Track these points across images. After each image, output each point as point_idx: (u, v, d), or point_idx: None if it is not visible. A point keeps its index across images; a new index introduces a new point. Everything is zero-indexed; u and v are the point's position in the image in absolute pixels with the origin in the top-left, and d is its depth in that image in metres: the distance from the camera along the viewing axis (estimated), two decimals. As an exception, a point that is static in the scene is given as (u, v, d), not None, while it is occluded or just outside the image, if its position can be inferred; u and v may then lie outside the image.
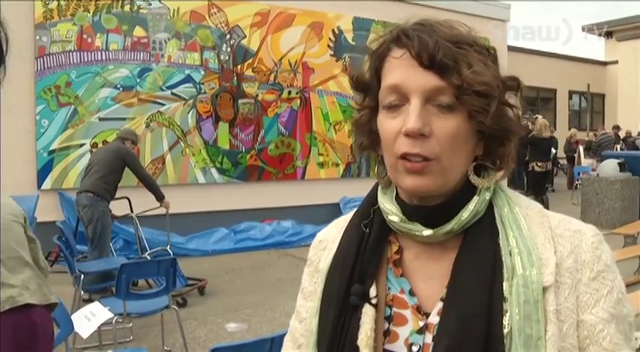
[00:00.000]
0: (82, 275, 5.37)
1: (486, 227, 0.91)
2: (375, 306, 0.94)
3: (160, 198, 6.58)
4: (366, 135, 0.99)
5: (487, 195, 0.93)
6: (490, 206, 0.94)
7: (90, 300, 5.36)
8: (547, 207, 0.98)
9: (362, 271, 0.96)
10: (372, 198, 1.03)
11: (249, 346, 2.57)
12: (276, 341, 2.54)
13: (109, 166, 6.28)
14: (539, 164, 11.51)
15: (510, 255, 0.88)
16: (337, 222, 1.11)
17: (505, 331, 0.83)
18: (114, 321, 4.23)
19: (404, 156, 0.87)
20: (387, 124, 0.90)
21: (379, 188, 1.02)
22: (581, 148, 16.60)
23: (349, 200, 10.44)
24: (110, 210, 6.36)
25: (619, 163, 10.89)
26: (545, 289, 0.85)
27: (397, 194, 0.98)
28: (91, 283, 5.79)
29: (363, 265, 0.96)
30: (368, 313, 0.94)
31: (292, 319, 1.11)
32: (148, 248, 6.80)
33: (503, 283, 0.86)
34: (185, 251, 8.35)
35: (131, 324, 5.02)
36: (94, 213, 6.10)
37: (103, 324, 4.28)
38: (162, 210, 6.72)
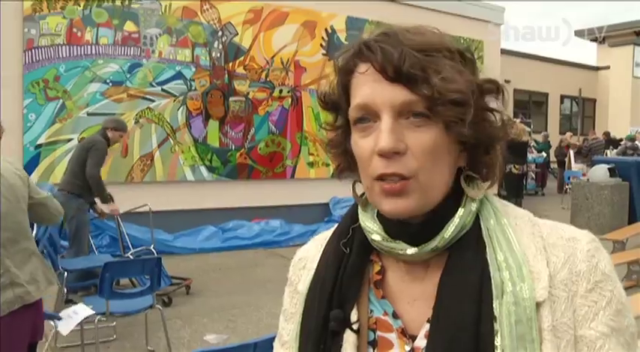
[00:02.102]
0: (66, 273, 5.29)
1: (472, 242, 0.85)
2: (357, 332, 0.88)
3: (103, 200, 6.20)
4: (342, 157, 0.94)
5: (473, 207, 0.87)
6: (476, 218, 0.87)
7: (71, 301, 5.27)
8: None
9: (342, 294, 0.90)
10: (352, 216, 0.96)
11: (231, 351, 2.51)
12: (260, 346, 2.48)
13: (79, 161, 6.08)
14: (516, 167, 11.59)
15: (499, 270, 0.81)
16: (318, 238, 1.05)
17: None
18: (96, 320, 4.16)
19: (380, 178, 0.81)
20: (360, 144, 0.84)
21: (359, 205, 0.96)
22: (571, 152, 16.64)
23: (339, 200, 10.40)
24: (89, 206, 6.18)
25: (609, 169, 10.91)
26: (538, 305, 0.79)
27: (378, 211, 0.91)
28: (72, 281, 5.69)
29: (342, 288, 0.90)
30: (349, 340, 0.88)
31: (275, 341, 1.06)
32: (131, 246, 6.70)
33: (493, 301, 0.79)
34: (172, 249, 8.30)
35: (115, 323, 4.96)
36: (69, 210, 5.86)
37: (85, 323, 4.22)
38: (147, 208, 6.63)
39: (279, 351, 1.03)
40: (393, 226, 0.87)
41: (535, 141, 17.44)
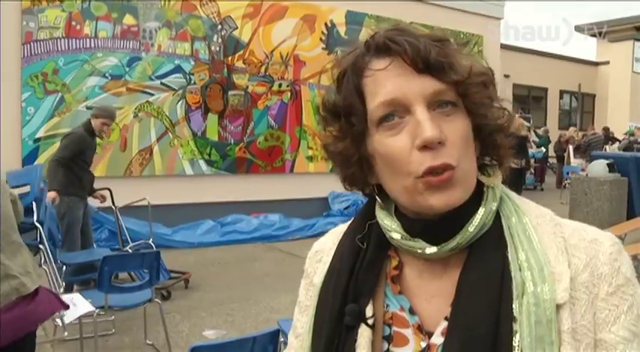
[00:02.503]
0: (64, 267, 5.29)
1: (493, 240, 0.84)
2: (372, 327, 0.87)
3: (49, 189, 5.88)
4: (356, 166, 0.90)
5: (494, 205, 0.86)
6: (497, 216, 0.86)
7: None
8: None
9: (357, 288, 0.89)
10: (367, 212, 0.95)
11: (230, 345, 2.51)
12: (259, 341, 2.48)
13: None
14: (515, 161, 11.56)
15: (520, 270, 0.80)
16: (334, 231, 1.03)
17: None
18: (95, 314, 4.15)
19: (427, 172, 0.78)
20: (392, 143, 0.81)
21: (377, 204, 0.93)
22: (570, 148, 16.65)
23: (338, 195, 10.40)
24: (82, 202, 6.02)
25: (608, 164, 10.89)
26: (559, 307, 0.78)
27: (396, 208, 0.90)
28: (69, 275, 5.67)
29: (358, 282, 0.89)
30: (364, 335, 0.87)
31: (289, 333, 1.05)
32: (130, 240, 6.70)
33: (513, 301, 0.78)
34: (171, 243, 8.29)
35: (113, 317, 4.95)
36: (60, 208, 5.82)
37: (84, 316, 4.23)
38: (146, 202, 6.62)
39: (293, 343, 1.02)
40: (412, 224, 0.86)
41: (536, 134, 17.44)
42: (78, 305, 3.94)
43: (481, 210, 0.84)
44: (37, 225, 4.00)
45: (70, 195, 5.86)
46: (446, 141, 0.79)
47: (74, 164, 5.93)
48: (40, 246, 3.98)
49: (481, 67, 0.84)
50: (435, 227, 0.84)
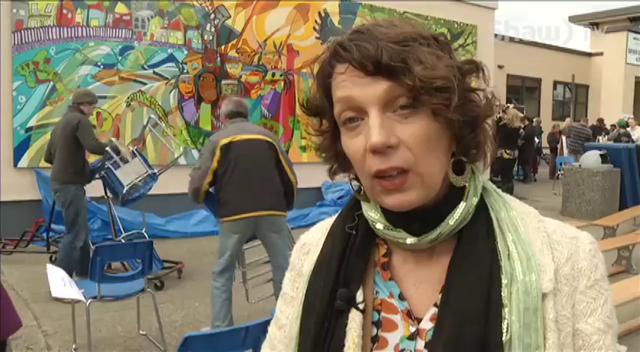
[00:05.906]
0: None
1: (482, 230, 0.87)
2: (363, 311, 0.89)
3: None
4: (334, 159, 0.95)
5: (474, 200, 0.88)
6: (485, 208, 0.90)
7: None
8: (511, 194, 0.94)
9: (347, 274, 0.91)
10: (355, 204, 0.97)
11: (223, 335, 2.52)
12: (251, 330, 2.49)
13: (68, 147, 5.86)
14: (507, 152, 11.62)
15: (509, 259, 0.84)
16: (322, 224, 1.05)
17: (504, 339, 0.79)
18: (88, 303, 4.14)
19: (378, 175, 0.81)
20: (351, 144, 0.84)
21: (361, 199, 0.96)
22: (563, 138, 16.67)
23: (331, 184, 10.40)
24: (84, 191, 6.08)
25: (601, 155, 10.94)
26: (544, 296, 0.82)
27: None
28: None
29: (348, 268, 0.91)
30: (355, 319, 0.88)
31: (271, 325, 1.06)
32: (123, 230, 6.68)
33: (502, 289, 0.82)
34: (164, 233, 8.30)
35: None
36: (66, 197, 5.86)
37: (76, 304, 4.23)
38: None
39: (276, 334, 1.03)
40: (394, 215, 0.88)
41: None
42: (73, 287, 3.91)
43: (462, 205, 0.87)
44: None
45: (77, 183, 5.93)
46: (399, 145, 0.80)
47: (83, 151, 6.00)
48: None
49: (442, 71, 0.80)
50: (416, 219, 0.86)
